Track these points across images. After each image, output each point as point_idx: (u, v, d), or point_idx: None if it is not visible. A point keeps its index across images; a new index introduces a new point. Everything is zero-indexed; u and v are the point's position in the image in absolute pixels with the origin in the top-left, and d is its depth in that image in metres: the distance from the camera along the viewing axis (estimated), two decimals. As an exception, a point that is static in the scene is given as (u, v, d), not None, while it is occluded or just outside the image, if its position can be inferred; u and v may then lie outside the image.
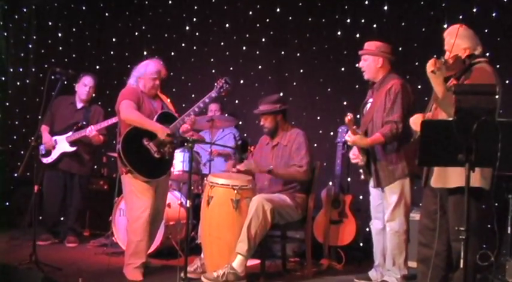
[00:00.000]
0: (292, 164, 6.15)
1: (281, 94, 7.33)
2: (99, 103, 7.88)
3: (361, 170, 5.90)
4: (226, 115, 7.87)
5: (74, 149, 7.48)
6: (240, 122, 8.20)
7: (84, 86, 7.58)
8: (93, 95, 7.74)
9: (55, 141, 7.43)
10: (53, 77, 6.62)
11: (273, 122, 6.30)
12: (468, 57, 4.66)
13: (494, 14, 6.92)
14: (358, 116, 5.89)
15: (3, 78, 9.17)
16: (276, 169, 6.16)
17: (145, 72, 6.07)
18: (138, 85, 6.07)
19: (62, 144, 7.45)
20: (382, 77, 5.73)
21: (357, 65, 5.84)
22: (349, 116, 5.44)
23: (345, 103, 7.65)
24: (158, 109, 6.11)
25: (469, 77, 4.54)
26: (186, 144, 5.46)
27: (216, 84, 6.14)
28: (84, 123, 7.51)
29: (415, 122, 4.77)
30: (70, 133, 7.46)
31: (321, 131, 7.86)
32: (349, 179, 7.25)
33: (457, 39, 4.68)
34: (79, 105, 7.68)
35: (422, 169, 5.48)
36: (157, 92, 6.21)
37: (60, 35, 9.54)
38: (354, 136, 5.56)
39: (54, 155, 7.44)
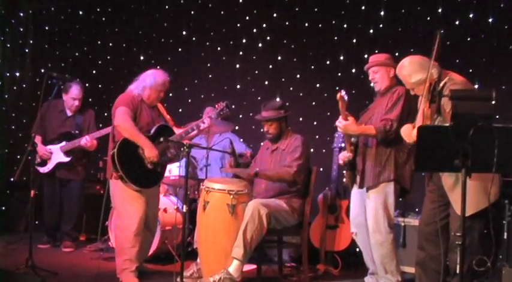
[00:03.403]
0: (283, 165, 6.17)
1: (277, 99, 7.34)
2: (96, 107, 7.88)
3: (344, 172, 5.90)
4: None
5: (69, 159, 7.45)
6: (237, 127, 8.21)
7: (73, 99, 7.50)
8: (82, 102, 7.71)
9: (50, 150, 7.41)
10: (49, 82, 6.62)
11: (277, 128, 6.30)
12: (434, 88, 4.63)
13: (490, 20, 6.93)
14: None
15: (0, 83, 9.16)
16: (264, 171, 6.17)
17: (153, 83, 6.03)
18: (142, 94, 6.04)
19: (57, 154, 7.42)
20: (390, 86, 5.72)
21: (370, 78, 5.81)
22: (342, 92, 5.30)
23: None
24: (156, 119, 6.11)
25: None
26: (182, 149, 5.46)
27: (216, 106, 6.22)
28: (76, 131, 7.49)
29: (407, 133, 4.77)
30: (64, 143, 7.42)
31: (317, 136, 7.87)
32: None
33: (411, 79, 4.75)
34: (69, 113, 7.63)
35: (411, 181, 5.50)
36: (156, 103, 6.21)
37: (56, 39, 9.54)
38: (344, 121, 5.45)
39: (51, 165, 7.40)
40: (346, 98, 5.33)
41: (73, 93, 7.48)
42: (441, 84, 4.66)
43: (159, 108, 6.28)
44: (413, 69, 4.79)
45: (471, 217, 4.37)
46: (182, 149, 5.46)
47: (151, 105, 6.13)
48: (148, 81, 6.04)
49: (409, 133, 4.73)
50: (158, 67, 6.93)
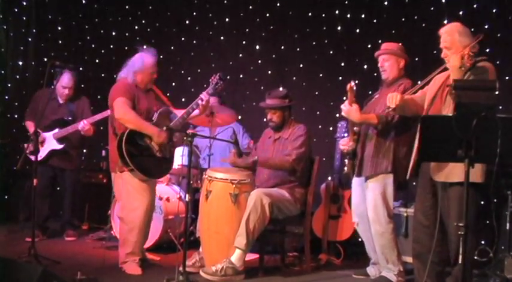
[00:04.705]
0: (283, 154, 6.18)
1: (280, 88, 7.33)
2: (98, 97, 7.85)
3: (346, 160, 5.91)
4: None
5: (62, 146, 7.39)
6: (240, 117, 8.21)
7: (63, 88, 7.44)
8: (74, 91, 7.63)
9: (43, 136, 7.34)
10: (52, 71, 6.60)
11: (281, 117, 6.31)
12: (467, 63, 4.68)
13: (494, 10, 6.91)
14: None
15: (3, 72, 9.13)
16: (263, 159, 6.19)
17: (143, 66, 6.00)
18: (134, 79, 5.99)
19: (50, 142, 7.36)
20: (397, 77, 5.72)
21: (379, 65, 5.82)
22: (352, 83, 5.39)
23: (344, 98, 7.64)
24: (153, 103, 6.10)
25: (478, 74, 4.57)
26: (185, 138, 5.45)
27: (210, 80, 6.18)
28: (69, 118, 7.44)
29: (393, 96, 4.93)
30: (57, 130, 7.36)
31: (320, 126, 7.86)
32: (348, 174, 7.26)
33: (458, 37, 4.73)
34: (61, 100, 7.57)
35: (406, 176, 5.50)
36: (152, 85, 6.19)
37: (59, 28, 9.51)
38: (349, 106, 5.48)
39: (43, 152, 7.33)
40: (355, 88, 5.41)
41: (63, 82, 7.40)
42: (478, 59, 4.70)
43: (155, 90, 6.26)
44: (465, 32, 4.81)
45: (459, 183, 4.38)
46: (185, 138, 5.45)
47: (146, 89, 6.11)
48: (137, 66, 6.00)
49: (395, 97, 4.91)
50: (161, 57, 6.89)
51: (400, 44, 5.84)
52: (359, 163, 5.69)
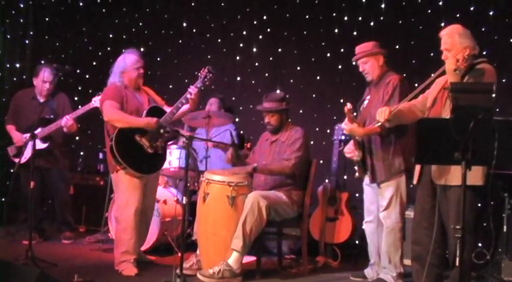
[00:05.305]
0: (282, 158, 6.18)
1: (278, 91, 7.32)
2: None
3: (355, 167, 5.90)
4: (222, 110, 7.88)
5: (46, 145, 7.28)
6: (237, 119, 8.20)
7: (44, 82, 7.33)
8: (53, 86, 7.52)
9: (25, 138, 7.14)
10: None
11: (278, 120, 6.33)
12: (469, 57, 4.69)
13: (491, 13, 6.92)
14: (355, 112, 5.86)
15: (0, 74, 9.13)
16: (262, 166, 6.19)
17: (126, 64, 6.06)
18: (122, 81, 6.04)
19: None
20: (380, 75, 5.72)
21: (360, 70, 5.83)
22: (348, 105, 5.40)
23: (341, 101, 7.65)
24: (144, 102, 6.12)
25: (476, 76, 4.58)
26: (183, 141, 5.46)
27: (199, 74, 6.15)
28: (51, 117, 7.34)
29: (382, 110, 5.00)
30: (39, 129, 7.20)
31: (317, 129, 7.86)
32: (345, 177, 7.27)
33: (458, 39, 4.75)
34: (41, 99, 7.46)
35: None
36: (142, 82, 6.21)
37: (57, 30, 9.51)
38: (350, 124, 5.51)
39: (27, 154, 6.91)
40: (351, 107, 5.44)
41: (44, 76, 7.33)
42: (477, 61, 4.75)
43: (148, 91, 6.28)
44: (466, 34, 4.85)
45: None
46: (183, 141, 5.46)
47: (137, 87, 6.15)
48: (122, 67, 6.07)
49: (384, 112, 4.97)
50: (159, 59, 6.88)
51: (374, 41, 5.86)
52: (371, 170, 5.70)
